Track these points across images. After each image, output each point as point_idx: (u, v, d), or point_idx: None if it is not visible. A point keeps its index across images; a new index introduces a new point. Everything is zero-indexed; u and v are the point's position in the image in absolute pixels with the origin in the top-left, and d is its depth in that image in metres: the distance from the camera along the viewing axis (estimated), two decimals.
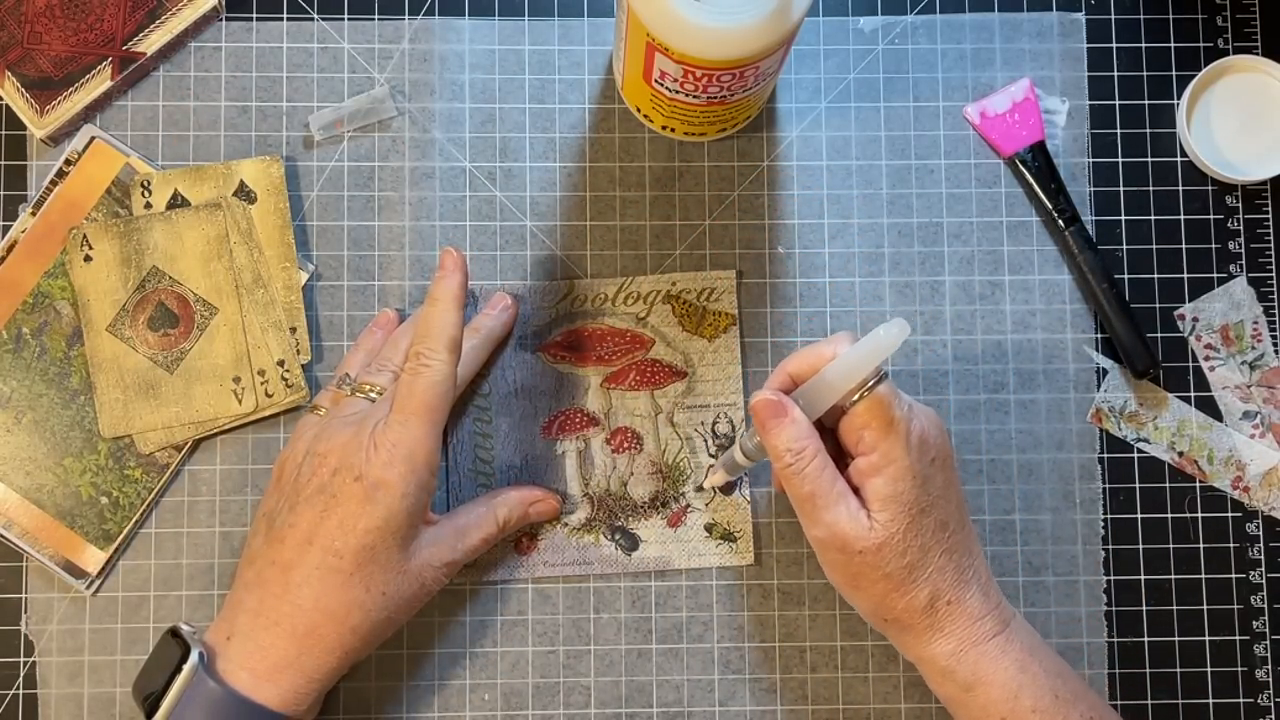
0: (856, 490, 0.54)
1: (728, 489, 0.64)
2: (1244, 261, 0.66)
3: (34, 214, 0.63)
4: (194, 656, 0.53)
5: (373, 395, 0.58)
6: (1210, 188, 0.66)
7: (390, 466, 0.54)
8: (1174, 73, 0.67)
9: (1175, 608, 0.64)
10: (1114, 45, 0.67)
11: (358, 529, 0.54)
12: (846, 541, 0.53)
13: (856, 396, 0.53)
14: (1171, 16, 0.67)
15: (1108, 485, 0.65)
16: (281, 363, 0.63)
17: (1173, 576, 0.64)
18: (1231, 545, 0.65)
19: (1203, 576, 0.64)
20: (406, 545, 0.55)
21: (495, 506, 0.60)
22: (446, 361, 0.56)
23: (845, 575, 0.55)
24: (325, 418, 0.59)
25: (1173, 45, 0.67)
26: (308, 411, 0.61)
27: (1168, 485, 0.65)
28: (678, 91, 0.58)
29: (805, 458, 0.53)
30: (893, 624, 0.55)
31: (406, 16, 0.65)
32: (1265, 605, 0.64)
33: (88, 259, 0.62)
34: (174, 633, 0.55)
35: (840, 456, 0.56)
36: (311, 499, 0.55)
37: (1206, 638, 0.64)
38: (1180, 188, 0.66)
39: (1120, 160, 0.66)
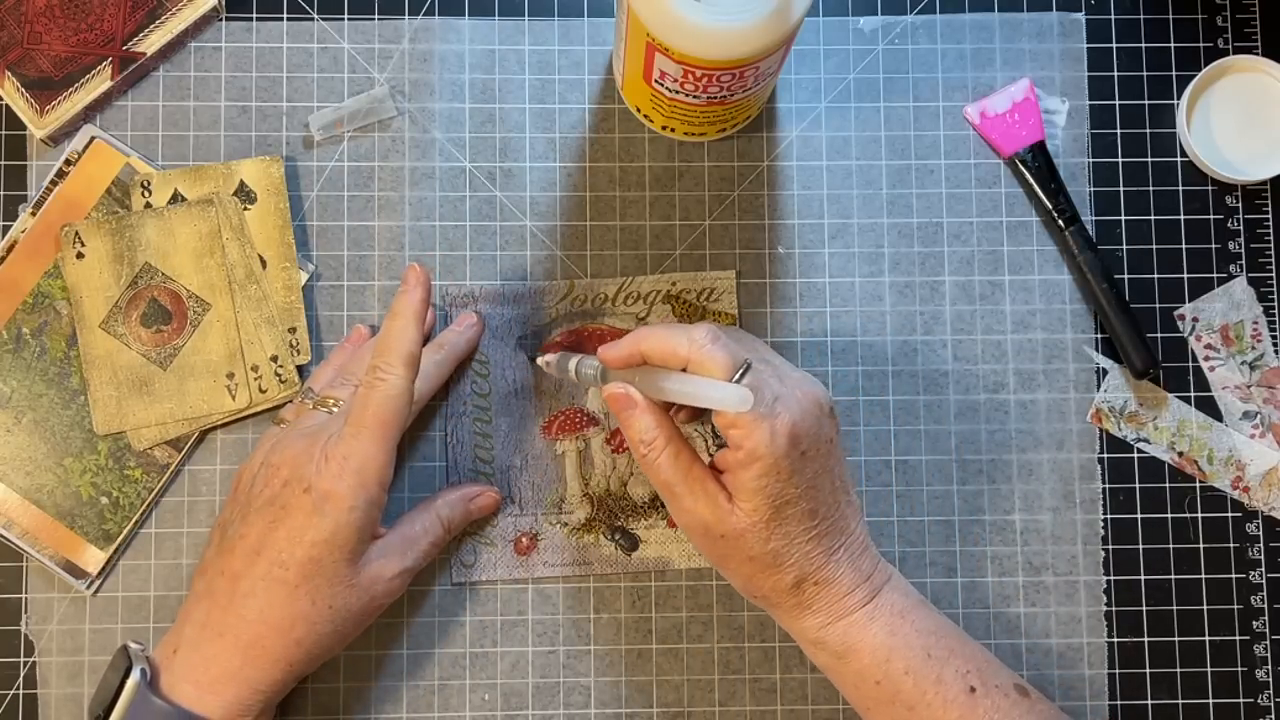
0: (723, 470, 0.54)
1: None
2: (1244, 261, 0.66)
3: (34, 214, 0.63)
4: (135, 675, 0.54)
5: (334, 408, 0.58)
6: (1210, 188, 0.66)
7: (340, 479, 0.54)
8: (1174, 73, 0.67)
9: (1175, 608, 0.64)
10: (1114, 45, 0.67)
11: (304, 541, 0.54)
12: (708, 526, 0.54)
13: None
14: (1171, 16, 0.67)
15: (1108, 485, 0.65)
16: (275, 358, 0.63)
17: (1173, 576, 0.64)
18: (1231, 545, 0.65)
19: (1203, 576, 0.64)
20: (355, 559, 0.55)
21: (437, 509, 0.60)
22: (403, 376, 0.55)
23: (713, 555, 0.55)
24: (285, 429, 0.59)
25: (1173, 45, 0.67)
26: (273, 423, 0.61)
27: (1168, 485, 0.65)
28: (678, 91, 0.58)
29: (656, 448, 0.54)
30: (762, 600, 0.56)
31: (406, 16, 0.65)
32: (1265, 605, 0.64)
33: (80, 256, 0.62)
34: (125, 649, 0.55)
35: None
36: (262, 510, 0.55)
37: (1206, 638, 0.64)
38: (1180, 188, 0.66)
39: (1120, 160, 0.66)
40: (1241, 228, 0.66)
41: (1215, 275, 0.66)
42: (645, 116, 0.64)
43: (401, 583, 0.57)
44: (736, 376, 0.52)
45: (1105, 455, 0.65)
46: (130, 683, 0.54)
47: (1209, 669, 0.64)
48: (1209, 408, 0.65)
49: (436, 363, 0.61)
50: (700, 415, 0.59)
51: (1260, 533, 0.65)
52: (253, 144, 0.65)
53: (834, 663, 0.56)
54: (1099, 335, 0.65)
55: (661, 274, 0.65)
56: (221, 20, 0.65)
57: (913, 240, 0.65)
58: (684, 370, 0.53)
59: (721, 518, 0.53)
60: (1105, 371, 0.65)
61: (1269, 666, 0.64)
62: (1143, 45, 0.67)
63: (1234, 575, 0.64)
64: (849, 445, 0.64)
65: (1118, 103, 0.66)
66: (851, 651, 0.55)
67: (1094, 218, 0.66)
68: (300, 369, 0.63)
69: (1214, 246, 0.66)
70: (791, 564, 0.54)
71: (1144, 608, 0.64)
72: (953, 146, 0.66)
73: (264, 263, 0.63)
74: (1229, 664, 0.64)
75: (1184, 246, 0.66)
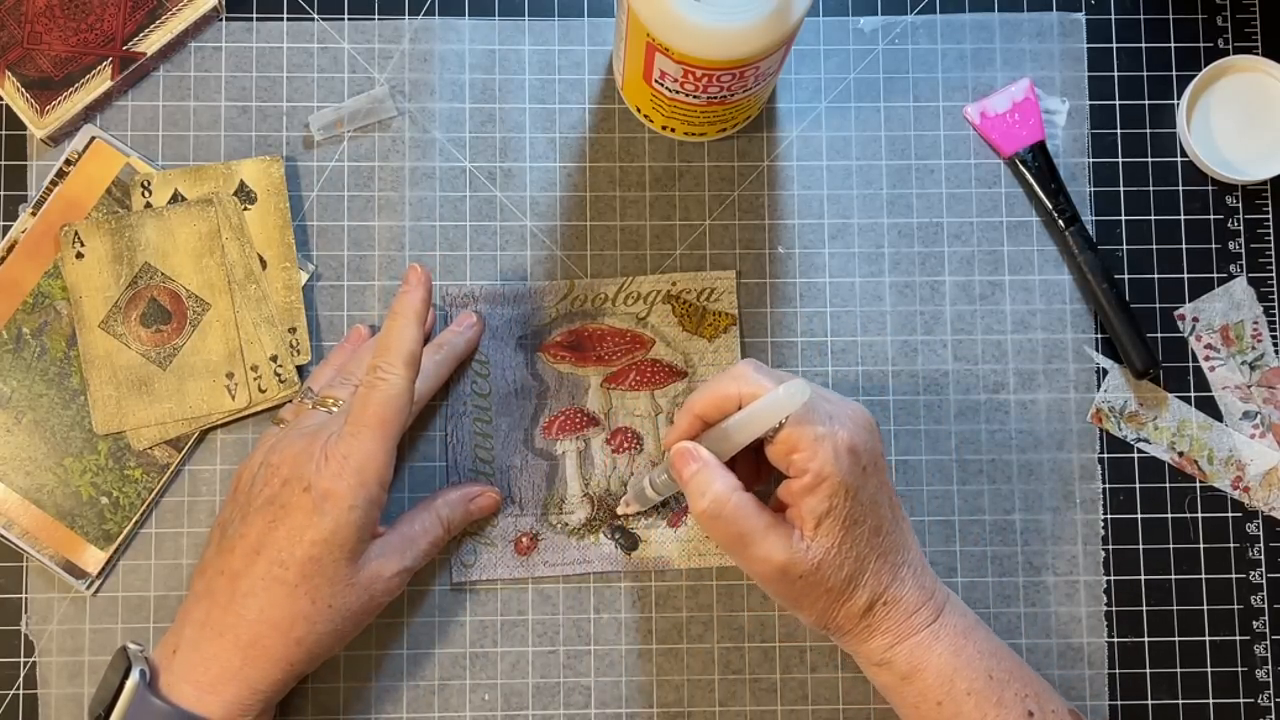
0: (783, 507, 0.54)
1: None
2: (1244, 261, 0.66)
3: (34, 214, 0.63)
4: (135, 675, 0.54)
5: (334, 408, 0.58)
6: (1210, 188, 0.66)
7: (339, 478, 0.54)
8: (1174, 73, 0.67)
9: (1175, 608, 0.64)
10: (1114, 45, 0.67)
11: (304, 540, 0.54)
12: (785, 570, 0.53)
13: (777, 424, 0.53)
14: (1171, 16, 0.67)
15: (1108, 485, 0.65)
16: (274, 358, 0.63)
17: (1173, 576, 0.64)
18: (1231, 545, 0.65)
19: (1203, 576, 0.64)
20: (354, 558, 0.55)
21: (437, 509, 0.60)
22: (403, 376, 0.55)
23: (788, 597, 0.55)
24: (284, 429, 0.59)
25: (1173, 45, 0.67)
26: (272, 423, 0.61)
27: (1168, 485, 0.65)
28: (678, 91, 0.58)
29: (722, 499, 0.53)
30: (834, 629, 0.56)
31: (406, 16, 0.65)
32: (1265, 605, 0.64)
33: (79, 256, 0.63)
34: (124, 649, 0.56)
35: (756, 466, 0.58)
36: (262, 509, 0.55)
37: (1206, 638, 0.64)
38: (1180, 188, 0.66)
39: (1120, 160, 0.66)
40: (1241, 228, 0.66)
41: (1215, 275, 0.66)
42: (645, 116, 0.64)
43: (400, 582, 0.57)
44: None
45: (1105, 455, 0.65)
46: (130, 683, 0.54)
47: (1209, 669, 0.64)
48: (1209, 408, 0.65)
49: (436, 363, 0.61)
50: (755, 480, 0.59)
51: (1260, 533, 0.65)
52: (253, 144, 0.65)
53: (897, 683, 0.56)
54: (1099, 335, 0.65)
55: (661, 274, 0.65)
56: (221, 20, 0.65)
57: (913, 240, 0.65)
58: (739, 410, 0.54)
59: (797, 558, 0.53)
60: (1105, 371, 0.65)
61: (1269, 666, 0.64)
62: (1143, 45, 0.67)
63: (1234, 575, 0.64)
64: None
65: (1118, 103, 0.66)
66: (917, 672, 0.55)
67: (1094, 218, 0.66)
68: (300, 369, 0.63)
69: (1214, 246, 0.66)
70: (864, 585, 0.54)
71: (1144, 608, 0.64)
72: (953, 146, 0.66)
73: (264, 263, 0.63)
74: (1229, 664, 0.64)
75: (1184, 246, 0.66)
